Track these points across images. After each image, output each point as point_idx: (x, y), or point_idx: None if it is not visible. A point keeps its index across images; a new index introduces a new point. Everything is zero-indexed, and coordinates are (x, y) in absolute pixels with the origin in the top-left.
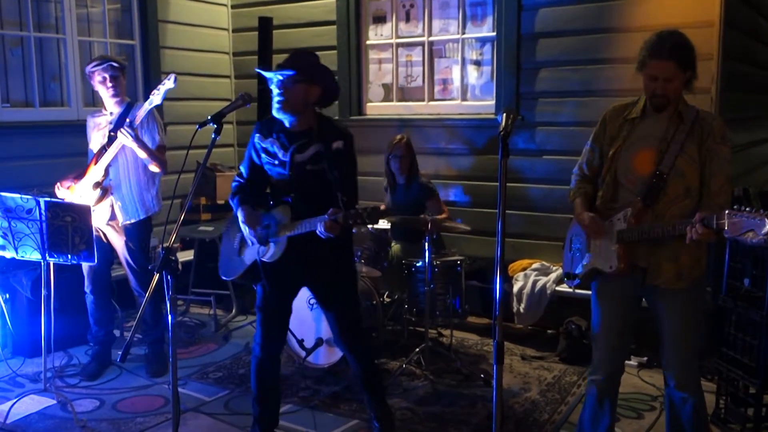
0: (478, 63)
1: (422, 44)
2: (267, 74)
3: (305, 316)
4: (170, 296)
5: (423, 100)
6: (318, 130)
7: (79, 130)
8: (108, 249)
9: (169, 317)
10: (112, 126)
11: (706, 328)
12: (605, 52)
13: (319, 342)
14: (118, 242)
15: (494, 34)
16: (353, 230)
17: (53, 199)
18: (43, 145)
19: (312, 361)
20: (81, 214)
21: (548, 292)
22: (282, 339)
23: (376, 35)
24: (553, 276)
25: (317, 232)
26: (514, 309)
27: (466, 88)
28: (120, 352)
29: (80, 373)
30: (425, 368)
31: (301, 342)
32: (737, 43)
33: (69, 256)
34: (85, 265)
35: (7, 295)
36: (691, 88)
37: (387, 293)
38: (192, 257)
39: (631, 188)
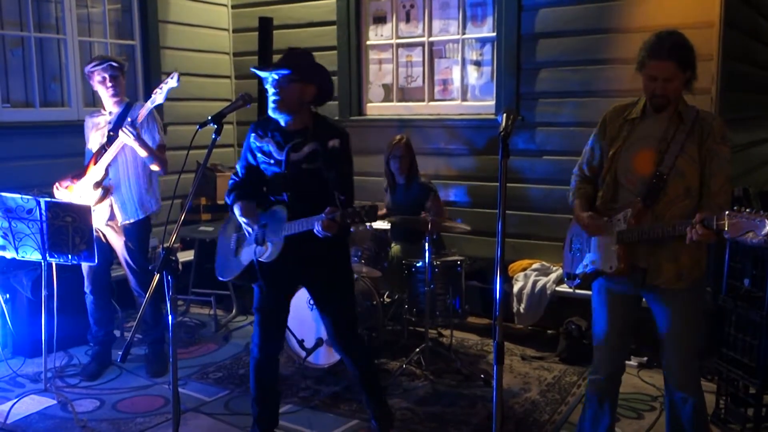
0: (478, 63)
1: (422, 44)
2: (262, 74)
3: (305, 316)
4: (170, 296)
5: (423, 101)
6: (313, 129)
7: (80, 130)
8: (107, 249)
9: (170, 317)
10: (111, 126)
11: (706, 329)
12: (605, 53)
13: (319, 342)
14: (118, 242)
15: (494, 34)
16: (351, 229)
17: (54, 200)
18: (43, 145)
19: (312, 361)
20: (81, 214)
21: (548, 292)
22: (280, 339)
23: (377, 35)
24: (553, 276)
25: (315, 231)
26: (514, 309)
27: (467, 88)
28: (120, 353)
29: (80, 374)
30: (425, 368)
31: (301, 342)
32: (737, 43)
33: (69, 256)
34: (85, 266)
35: (8, 295)
36: (690, 88)
37: (387, 293)
38: (192, 257)
39: (631, 189)
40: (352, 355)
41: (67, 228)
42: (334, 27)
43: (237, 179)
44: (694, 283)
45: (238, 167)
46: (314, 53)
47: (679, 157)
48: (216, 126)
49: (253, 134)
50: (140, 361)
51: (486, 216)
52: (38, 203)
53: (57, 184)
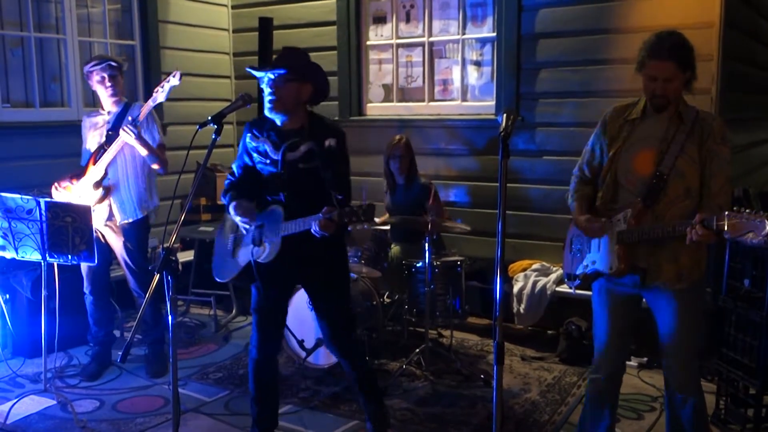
0: (478, 63)
1: (422, 45)
2: (257, 73)
3: (305, 316)
4: (170, 297)
5: (423, 101)
6: (309, 128)
7: (79, 130)
8: (106, 250)
9: (170, 318)
10: (109, 126)
11: (706, 329)
12: (605, 53)
13: (319, 342)
14: (117, 243)
15: (494, 34)
16: (348, 228)
17: (53, 200)
18: (43, 145)
19: (312, 361)
20: (81, 214)
21: (548, 292)
22: (278, 340)
23: (377, 36)
24: (553, 276)
25: (312, 230)
26: (514, 309)
27: (467, 88)
28: (120, 353)
29: (80, 374)
30: (425, 369)
31: (301, 342)
32: (737, 43)
33: (69, 256)
34: (84, 266)
35: (7, 296)
36: (690, 88)
37: (387, 294)
38: (192, 257)
39: (631, 189)
40: (347, 356)
41: (67, 228)
42: (334, 27)
43: (233, 179)
44: (694, 284)
45: (234, 167)
46: (314, 53)
47: (679, 157)
48: (216, 126)
49: (248, 134)
50: (140, 361)
51: (486, 216)
52: (38, 203)
53: (56, 184)
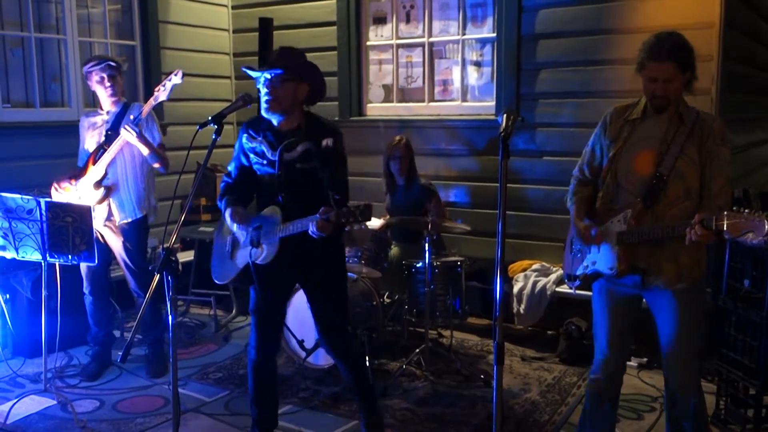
0: (478, 64)
1: (422, 45)
2: (254, 74)
3: (305, 316)
4: (171, 297)
5: (423, 101)
6: (306, 128)
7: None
8: (105, 250)
9: (170, 318)
10: (108, 125)
11: (706, 329)
12: (605, 54)
13: (319, 343)
14: (116, 243)
15: (494, 35)
16: (346, 228)
17: (54, 200)
18: (43, 145)
19: (312, 361)
20: (81, 214)
21: (548, 293)
22: (277, 341)
23: (377, 36)
24: (553, 277)
25: (309, 232)
26: (514, 310)
27: (467, 89)
28: (120, 353)
29: (80, 374)
30: (425, 369)
31: (301, 343)
32: (737, 44)
33: (69, 256)
34: (83, 266)
35: (8, 296)
36: (691, 89)
37: (387, 294)
38: (192, 258)
39: (632, 189)
40: (343, 357)
41: (67, 228)
42: (335, 27)
43: (229, 181)
44: (694, 284)
45: (230, 168)
46: (314, 54)
47: (679, 158)
48: (216, 126)
49: (244, 135)
50: (140, 361)
51: (486, 216)
52: (38, 203)
53: (55, 185)
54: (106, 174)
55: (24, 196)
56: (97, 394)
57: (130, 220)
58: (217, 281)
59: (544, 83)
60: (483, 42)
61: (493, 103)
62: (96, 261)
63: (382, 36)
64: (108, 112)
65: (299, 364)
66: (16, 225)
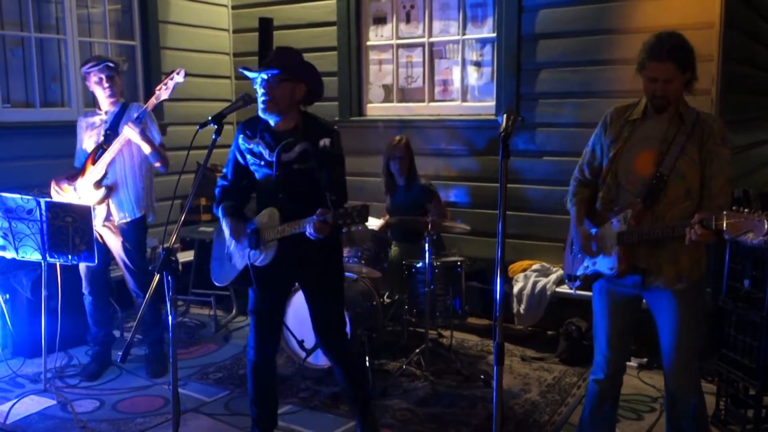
0: (478, 64)
1: (422, 45)
2: (250, 74)
3: (305, 316)
4: (171, 297)
5: (423, 101)
6: (303, 129)
7: None
8: (105, 250)
9: (170, 318)
10: (107, 125)
11: (706, 329)
12: (605, 54)
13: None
14: (115, 243)
15: (494, 35)
16: (343, 230)
17: (54, 200)
18: (43, 145)
19: (312, 361)
20: (81, 214)
21: (548, 293)
22: (276, 342)
23: (377, 36)
24: (553, 277)
25: (306, 233)
26: (514, 310)
27: (467, 89)
28: (120, 353)
29: (80, 374)
30: (425, 369)
31: (301, 343)
32: (737, 44)
33: (69, 256)
34: (82, 267)
35: (8, 296)
36: (691, 89)
37: (387, 294)
38: (192, 258)
39: (632, 190)
40: (339, 359)
41: (67, 228)
42: (335, 27)
43: (226, 183)
44: (694, 284)
45: (226, 170)
46: (314, 54)
47: (679, 158)
48: (216, 126)
49: (241, 135)
50: (140, 361)
51: (486, 217)
52: (38, 203)
53: (55, 185)
54: (106, 174)
55: (24, 196)
56: (97, 394)
57: (128, 219)
58: (216, 283)
59: (544, 83)
60: (483, 42)
61: (493, 103)
62: (96, 261)
63: (382, 36)
64: (106, 113)
65: (299, 364)
66: (16, 225)
